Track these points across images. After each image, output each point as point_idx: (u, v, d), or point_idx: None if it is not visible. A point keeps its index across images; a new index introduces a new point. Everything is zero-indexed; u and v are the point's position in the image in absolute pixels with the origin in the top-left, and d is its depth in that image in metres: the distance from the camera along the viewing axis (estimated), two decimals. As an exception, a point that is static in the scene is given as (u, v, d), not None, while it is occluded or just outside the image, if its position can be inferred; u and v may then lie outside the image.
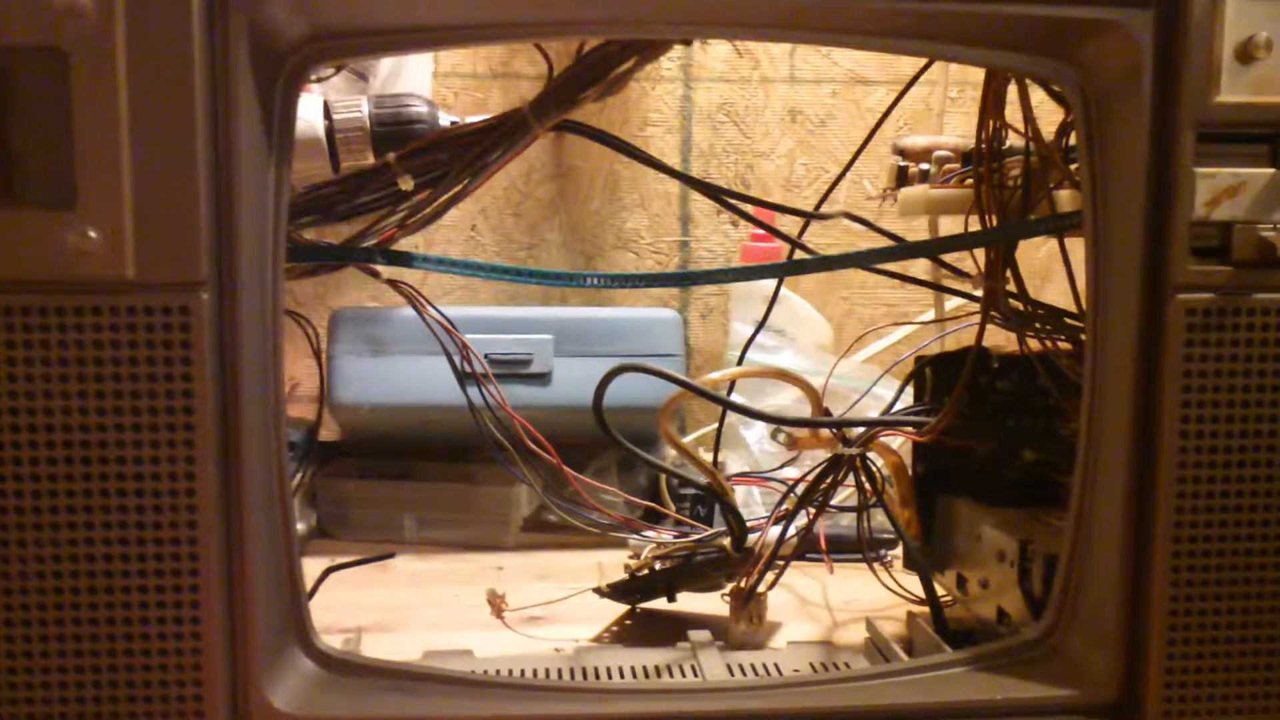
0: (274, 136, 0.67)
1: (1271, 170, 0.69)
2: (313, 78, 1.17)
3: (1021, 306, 0.90)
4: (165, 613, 0.66)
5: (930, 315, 1.39)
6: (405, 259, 0.87)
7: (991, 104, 0.88)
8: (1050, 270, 1.49)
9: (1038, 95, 0.85)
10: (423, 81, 1.51)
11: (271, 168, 0.68)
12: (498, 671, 0.89)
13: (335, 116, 1.07)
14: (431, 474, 1.41)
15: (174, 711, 0.66)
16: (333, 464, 1.44)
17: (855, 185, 1.66)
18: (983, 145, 0.89)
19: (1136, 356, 0.70)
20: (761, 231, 1.34)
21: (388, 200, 0.88)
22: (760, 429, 1.41)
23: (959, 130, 1.57)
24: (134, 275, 0.63)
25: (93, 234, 0.63)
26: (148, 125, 0.63)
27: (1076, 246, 0.78)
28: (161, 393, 0.64)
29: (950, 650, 0.86)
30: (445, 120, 1.07)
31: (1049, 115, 0.86)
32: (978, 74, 0.89)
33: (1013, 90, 0.87)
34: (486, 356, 1.34)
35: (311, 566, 0.99)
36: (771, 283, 1.23)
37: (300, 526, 1.34)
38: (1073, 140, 0.80)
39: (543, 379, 1.38)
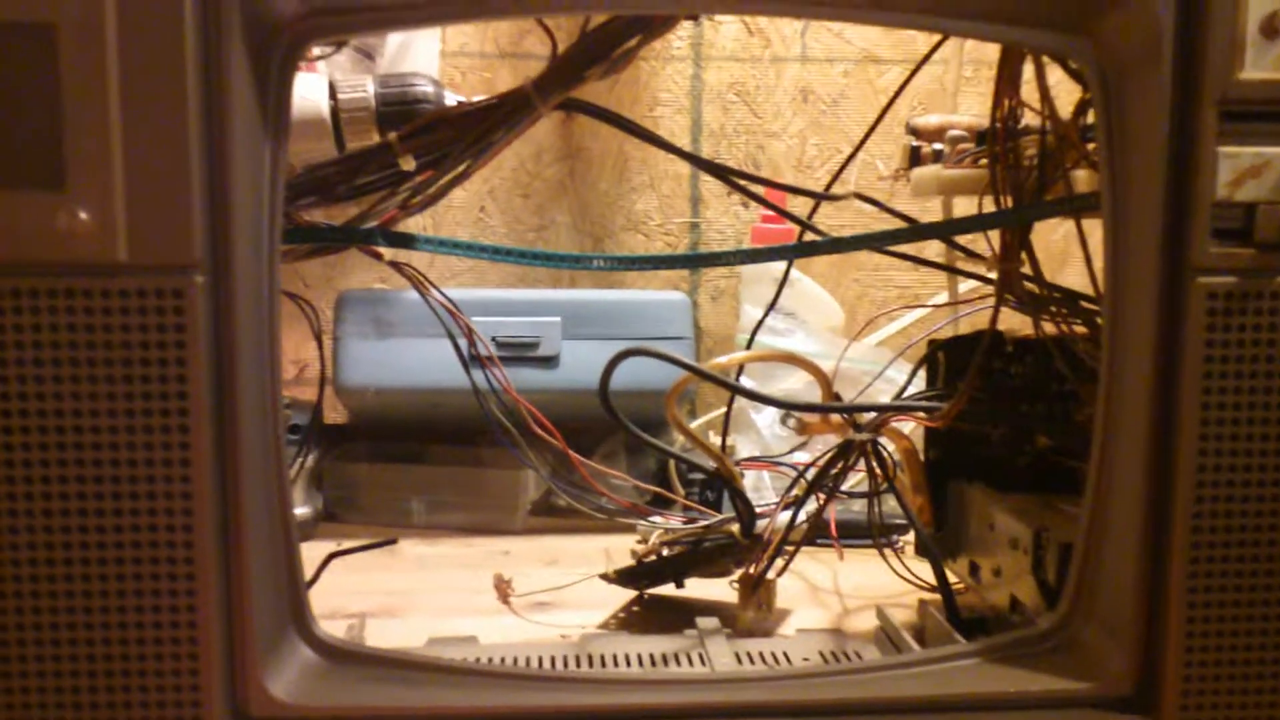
0: (270, 114, 0.66)
1: (1297, 149, 0.67)
2: (312, 55, 1.15)
3: (1036, 289, 0.88)
4: (160, 601, 0.65)
5: (944, 298, 1.37)
6: (407, 240, 0.86)
7: (1006, 81, 0.86)
8: (1068, 254, 1.47)
9: (1055, 74, 0.83)
10: (430, 61, 1.49)
11: (268, 146, 0.66)
12: (502, 659, 0.88)
13: (340, 96, 1.06)
14: (440, 457, 1.40)
15: (170, 701, 0.66)
16: (340, 447, 1.43)
17: (868, 166, 1.64)
18: (998, 124, 0.87)
19: (1155, 341, 0.68)
20: (772, 213, 1.32)
21: (388, 181, 0.87)
22: (771, 413, 1.39)
23: (974, 110, 1.55)
24: (125, 257, 0.62)
25: (83, 215, 0.61)
26: (139, 103, 0.61)
27: (1094, 229, 0.76)
28: (155, 378, 0.63)
29: (962, 639, 0.84)
30: (451, 100, 1.05)
31: (1066, 93, 0.84)
32: (993, 52, 0.87)
33: (1029, 68, 0.84)
34: (494, 339, 1.33)
35: (318, 551, 0.98)
36: (783, 265, 1.21)
37: (307, 511, 1.33)
38: (1090, 119, 0.78)
39: (551, 362, 1.37)
